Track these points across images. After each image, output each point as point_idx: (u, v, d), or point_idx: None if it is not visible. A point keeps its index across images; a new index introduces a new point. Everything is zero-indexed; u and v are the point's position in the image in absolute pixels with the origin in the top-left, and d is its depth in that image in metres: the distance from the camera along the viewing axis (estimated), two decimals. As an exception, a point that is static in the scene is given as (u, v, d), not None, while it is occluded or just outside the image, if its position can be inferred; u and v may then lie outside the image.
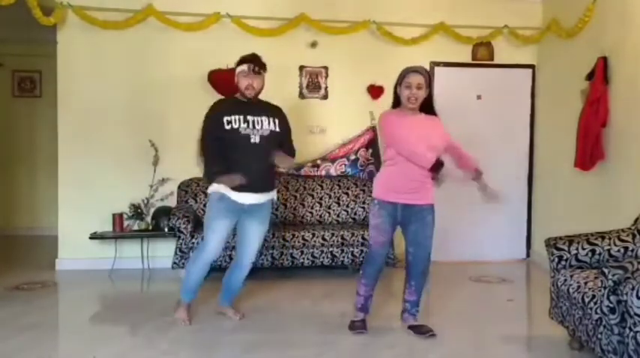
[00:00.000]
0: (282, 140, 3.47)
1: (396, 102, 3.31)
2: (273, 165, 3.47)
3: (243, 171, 3.23)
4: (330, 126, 5.44)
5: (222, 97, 3.59)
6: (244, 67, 3.39)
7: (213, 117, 3.40)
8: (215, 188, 3.38)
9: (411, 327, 3.45)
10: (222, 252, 3.68)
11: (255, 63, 3.40)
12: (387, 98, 5.40)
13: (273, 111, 3.47)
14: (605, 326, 2.52)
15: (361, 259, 4.79)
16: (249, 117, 3.34)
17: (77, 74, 5.13)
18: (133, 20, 5.01)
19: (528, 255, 5.77)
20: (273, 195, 3.53)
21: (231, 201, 3.34)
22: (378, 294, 4.50)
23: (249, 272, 3.66)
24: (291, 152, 3.54)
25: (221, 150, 3.32)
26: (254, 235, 3.51)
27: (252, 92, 3.39)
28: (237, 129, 3.30)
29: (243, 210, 3.39)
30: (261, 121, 3.36)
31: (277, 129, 3.40)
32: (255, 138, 3.31)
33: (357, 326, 3.41)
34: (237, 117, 3.32)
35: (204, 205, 5.01)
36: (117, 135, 5.19)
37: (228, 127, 3.30)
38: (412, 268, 3.40)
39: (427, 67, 5.52)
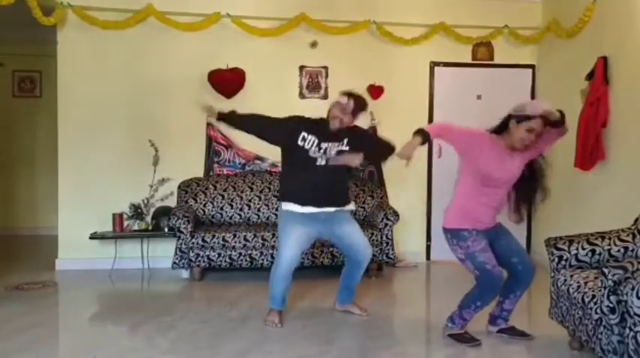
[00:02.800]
0: (363, 148, 3.46)
1: (501, 130, 3.11)
2: (346, 183, 3.57)
3: (307, 188, 3.39)
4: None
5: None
6: (343, 100, 3.43)
7: (292, 122, 3.51)
8: (284, 206, 3.48)
9: (503, 330, 3.40)
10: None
11: (355, 101, 3.43)
12: (387, 98, 5.47)
13: (347, 133, 3.47)
14: (605, 326, 2.52)
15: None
16: (323, 145, 3.41)
17: (77, 74, 5.13)
18: (133, 20, 5.01)
19: (529, 254, 5.76)
20: (347, 208, 3.59)
21: (298, 214, 3.43)
22: (377, 294, 4.52)
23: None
24: (377, 151, 3.60)
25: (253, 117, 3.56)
26: (350, 231, 3.56)
27: (337, 125, 3.43)
28: (308, 150, 3.40)
29: (317, 219, 3.45)
30: (332, 147, 3.43)
31: (344, 148, 3.45)
32: (321, 161, 3.41)
33: (468, 338, 3.26)
34: (312, 139, 3.41)
35: (204, 205, 5.05)
36: (117, 135, 5.20)
37: (300, 144, 3.41)
38: (523, 276, 3.26)
39: (427, 67, 5.54)
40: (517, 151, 3.07)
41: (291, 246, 3.43)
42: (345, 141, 3.47)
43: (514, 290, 3.29)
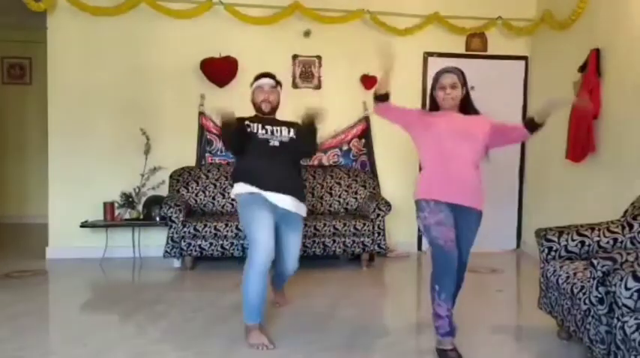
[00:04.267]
0: (301, 141, 3.41)
1: (433, 107, 3.10)
2: (301, 177, 3.49)
3: (262, 172, 3.22)
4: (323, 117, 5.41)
5: None
6: (260, 81, 3.45)
7: (240, 120, 3.38)
8: (238, 190, 3.28)
9: None
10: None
11: (271, 77, 3.47)
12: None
13: (291, 124, 3.47)
14: (593, 317, 2.54)
15: (353, 249, 4.80)
16: (268, 127, 3.38)
17: (67, 61, 5.08)
18: (124, 7, 4.95)
19: (518, 245, 5.81)
20: (303, 209, 3.41)
21: (262, 198, 3.19)
22: (369, 284, 4.54)
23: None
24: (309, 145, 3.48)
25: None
26: (291, 241, 3.39)
27: (268, 106, 3.42)
28: (256, 133, 3.33)
29: (278, 212, 3.24)
30: (281, 130, 3.40)
31: (294, 137, 3.40)
32: (274, 142, 3.33)
33: (453, 357, 2.88)
34: (256, 124, 3.37)
35: (196, 194, 5.03)
36: (108, 123, 5.15)
37: (248, 130, 3.33)
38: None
39: (420, 58, 5.53)
40: (453, 111, 3.00)
41: (266, 234, 3.06)
42: (293, 130, 3.41)
43: None
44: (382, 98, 3.08)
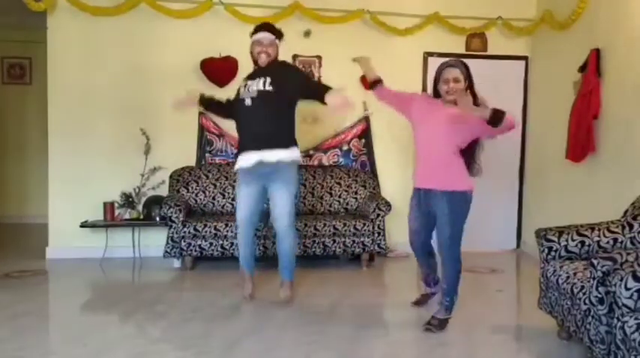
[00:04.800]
0: (291, 92, 3.40)
1: (437, 97, 3.25)
2: (284, 125, 3.42)
3: (243, 133, 3.50)
4: (323, 116, 5.42)
5: None
6: (258, 36, 3.41)
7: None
8: (235, 166, 3.61)
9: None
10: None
11: (269, 29, 3.42)
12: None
13: (270, 70, 3.41)
14: (593, 317, 2.54)
15: (353, 249, 4.81)
16: (249, 82, 3.42)
17: (68, 61, 5.08)
18: (124, 7, 4.95)
19: (518, 245, 5.81)
20: (287, 154, 3.43)
21: (244, 170, 3.53)
22: (369, 284, 4.54)
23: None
24: (320, 91, 3.37)
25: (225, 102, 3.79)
26: (276, 197, 3.50)
27: (266, 59, 3.39)
28: (240, 94, 3.47)
29: (260, 174, 3.44)
30: (253, 84, 3.40)
31: (267, 89, 3.35)
32: (247, 101, 3.40)
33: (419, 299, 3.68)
34: (243, 83, 3.47)
35: (196, 194, 5.03)
36: (108, 123, 5.15)
37: (239, 96, 3.52)
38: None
39: (420, 58, 5.53)
40: (452, 104, 3.09)
41: (241, 208, 3.64)
42: (269, 79, 3.37)
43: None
44: (375, 84, 3.45)
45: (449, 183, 3.13)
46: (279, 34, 3.45)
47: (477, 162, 3.25)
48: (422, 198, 3.27)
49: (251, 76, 3.54)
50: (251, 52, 3.45)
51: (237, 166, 3.61)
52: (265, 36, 3.39)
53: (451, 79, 3.09)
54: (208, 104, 3.88)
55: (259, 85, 3.40)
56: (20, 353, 2.87)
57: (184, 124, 5.23)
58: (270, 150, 3.41)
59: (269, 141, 3.40)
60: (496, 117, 2.90)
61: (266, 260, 4.58)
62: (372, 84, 3.50)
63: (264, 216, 4.02)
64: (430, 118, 3.16)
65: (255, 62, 3.44)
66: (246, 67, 5.16)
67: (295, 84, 3.47)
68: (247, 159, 3.47)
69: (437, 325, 3.25)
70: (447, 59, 3.25)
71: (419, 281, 4.95)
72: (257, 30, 3.45)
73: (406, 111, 3.36)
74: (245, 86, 3.46)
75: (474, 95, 3.10)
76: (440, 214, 3.17)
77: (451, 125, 3.08)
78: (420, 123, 3.22)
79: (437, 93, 3.22)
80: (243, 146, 3.54)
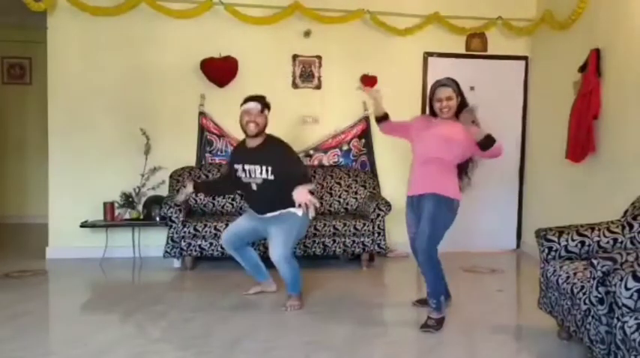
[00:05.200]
0: (284, 178, 3.59)
1: (433, 113, 3.49)
2: (282, 197, 3.57)
3: (250, 203, 3.89)
4: (323, 116, 5.42)
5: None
6: (247, 106, 3.65)
7: (229, 159, 4.03)
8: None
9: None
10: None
11: (258, 101, 3.66)
12: (381, 88, 5.40)
13: (268, 157, 3.64)
14: (593, 317, 2.54)
15: (353, 249, 4.81)
16: (247, 167, 3.68)
17: (68, 61, 5.08)
18: (124, 7, 4.95)
19: (518, 245, 5.81)
20: (293, 210, 3.63)
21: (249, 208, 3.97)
22: (369, 284, 4.54)
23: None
24: (299, 181, 3.52)
25: (220, 180, 4.27)
26: (272, 234, 3.68)
27: (254, 129, 3.62)
28: (241, 178, 3.74)
29: (264, 219, 3.75)
30: (255, 170, 3.65)
31: (270, 178, 3.62)
32: (253, 186, 3.71)
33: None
34: (240, 166, 3.73)
35: (196, 194, 5.01)
36: (108, 123, 5.15)
37: (237, 174, 3.77)
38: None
39: (420, 57, 5.53)
40: (449, 120, 3.36)
41: (228, 229, 3.93)
42: (269, 168, 3.61)
43: None
44: (382, 119, 3.66)
45: (438, 188, 3.34)
46: (266, 106, 3.68)
47: (469, 176, 3.51)
48: (415, 204, 3.47)
49: (245, 154, 3.73)
50: (240, 122, 3.66)
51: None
52: (253, 106, 3.62)
53: (444, 98, 3.34)
54: (207, 189, 4.35)
55: (262, 173, 3.64)
56: (20, 353, 2.87)
57: (184, 124, 5.23)
58: (274, 213, 3.73)
59: (273, 208, 3.72)
60: (487, 142, 3.15)
61: (268, 260, 4.57)
62: (378, 119, 3.69)
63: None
64: (426, 135, 3.40)
65: (245, 131, 3.66)
66: (246, 67, 5.21)
67: (288, 168, 3.66)
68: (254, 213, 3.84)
69: (434, 325, 3.30)
70: (439, 79, 3.48)
71: (419, 282, 4.96)
72: (247, 100, 3.67)
73: (408, 136, 3.58)
74: (244, 170, 3.69)
75: (464, 104, 3.35)
76: (424, 214, 3.35)
77: (444, 141, 3.32)
78: (418, 140, 3.46)
79: (432, 108, 3.47)
80: (249, 206, 3.96)
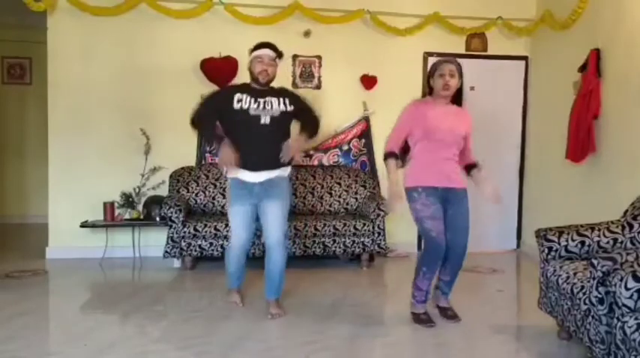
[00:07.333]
0: (298, 116, 3.46)
1: (429, 93, 3.42)
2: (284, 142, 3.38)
3: (252, 151, 3.29)
4: (323, 116, 5.35)
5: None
6: (259, 52, 3.38)
7: (223, 92, 3.60)
8: (232, 174, 3.40)
9: (439, 307, 3.55)
10: (255, 240, 3.92)
11: (271, 49, 3.41)
12: (381, 88, 5.46)
13: (281, 92, 3.46)
14: (593, 317, 2.54)
15: (353, 249, 4.81)
16: (260, 100, 3.35)
17: (68, 61, 5.08)
18: (124, 7, 4.95)
19: (518, 245, 5.81)
20: (285, 171, 3.45)
21: (244, 185, 3.36)
22: (369, 284, 4.55)
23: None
24: (312, 123, 3.47)
25: (214, 126, 3.41)
26: (271, 211, 3.38)
27: (265, 78, 3.37)
28: (247, 109, 3.32)
29: (257, 191, 3.35)
30: (271, 102, 3.36)
31: (289, 109, 3.39)
32: (265, 119, 3.32)
33: (424, 320, 3.38)
34: (246, 97, 3.34)
35: (196, 194, 5.03)
36: (108, 123, 5.15)
37: (237, 107, 3.32)
38: (448, 255, 3.36)
39: (420, 58, 5.53)
40: (450, 106, 3.35)
41: (240, 229, 3.45)
42: (287, 100, 3.39)
43: (444, 265, 3.41)
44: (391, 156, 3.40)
45: (465, 182, 3.43)
46: (279, 54, 3.44)
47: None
48: (440, 196, 3.34)
49: (254, 90, 3.39)
50: (249, 69, 3.41)
51: (239, 178, 3.37)
52: (266, 53, 3.36)
53: (447, 73, 3.25)
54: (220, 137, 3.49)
55: (281, 105, 3.36)
56: (20, 353, 2.87)
57: (184, 124, 5.18)
58: (273, 170, 3.39)
59: (277, 161, 3.36)
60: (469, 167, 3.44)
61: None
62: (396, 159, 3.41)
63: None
64: (441, 124, 3.30)
65: (255, 80, 3.39)
66: (245, 67, 5.17)
67: (306, 103, 3.53)
68: (257, 176, 3.35)
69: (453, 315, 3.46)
70: (443, 57, 3.49)
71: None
72: (259, 46, 3.41)
73: (410, 134, 3.40)
74: (257, 101, 3.33)
75: (461, 94, 3.36)
76: (461, 209, 3.40)
77: (461, 138, 3.36)
78: (428, 130, 3.30)
79: (429, 87, 3.39)
80: (248, 162, 3.32)
